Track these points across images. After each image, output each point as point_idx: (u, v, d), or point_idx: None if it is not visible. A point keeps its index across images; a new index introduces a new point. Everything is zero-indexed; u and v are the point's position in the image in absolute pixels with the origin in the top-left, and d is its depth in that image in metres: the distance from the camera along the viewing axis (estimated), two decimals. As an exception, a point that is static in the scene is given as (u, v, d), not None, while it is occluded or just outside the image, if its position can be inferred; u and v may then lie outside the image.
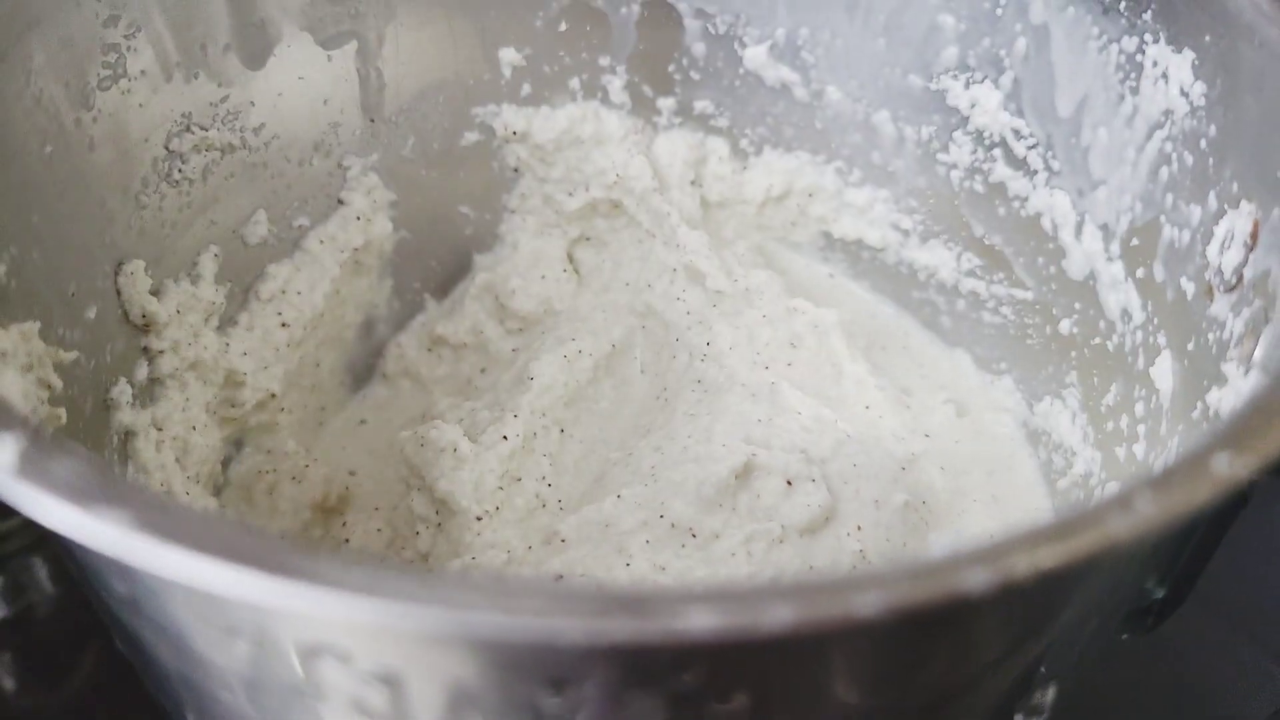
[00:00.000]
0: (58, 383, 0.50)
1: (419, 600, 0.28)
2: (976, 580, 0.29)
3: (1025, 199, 0.65)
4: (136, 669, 0.48)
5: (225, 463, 0.67)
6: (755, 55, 0.71)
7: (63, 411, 0.50)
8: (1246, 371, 0.46)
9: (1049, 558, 0.29)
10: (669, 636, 0.28)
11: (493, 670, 0.32)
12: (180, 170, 0.61)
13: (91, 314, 0.55)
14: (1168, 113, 0.55)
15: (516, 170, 0.75)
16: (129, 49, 0.57)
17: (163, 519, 0.29)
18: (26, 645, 0.72)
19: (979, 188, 0.68)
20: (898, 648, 0.35)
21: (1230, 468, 0.32)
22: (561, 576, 0.59)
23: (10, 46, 0.50)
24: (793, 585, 0.28)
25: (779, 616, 0.28)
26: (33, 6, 0.51)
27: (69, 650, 0.73)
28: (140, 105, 0.58)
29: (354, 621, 0.30)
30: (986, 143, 0.66)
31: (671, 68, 0.72)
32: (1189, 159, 0.54)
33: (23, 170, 0.51)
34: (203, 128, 0.62)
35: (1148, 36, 0.56)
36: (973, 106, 0.66)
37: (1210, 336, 0.51)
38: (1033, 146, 0.64)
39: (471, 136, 0.74)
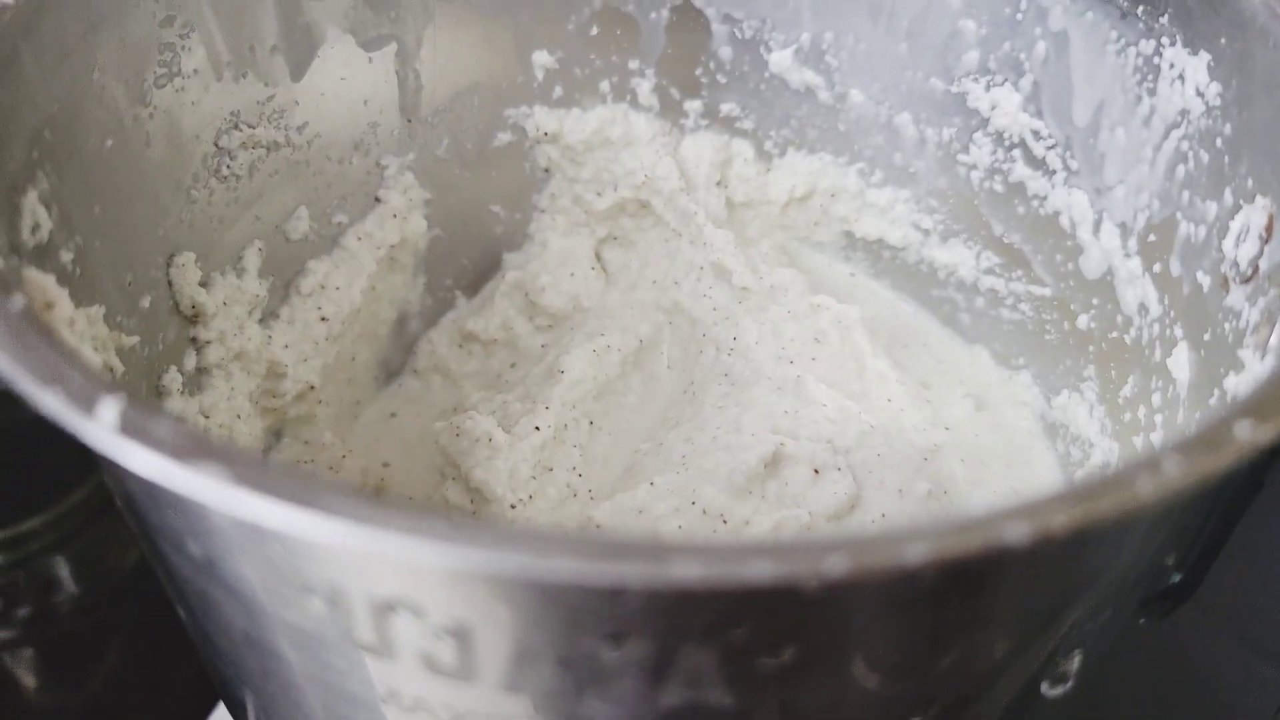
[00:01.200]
0: (119, 366, 0.52)
1: (496, 546, 0.30)
2: (1017, 532, 0.31)
3: (1044, 198, 0.67)
4: (196, 639, 0.50)
5: (265, 452, 0.69)
6: (780, 59, 0.73)
7: (123, 395, 0.52)
8: (1263, 356, 0.48)
9: (1083, 513, 0.31)
10: (734, 582, 0.30)
11: (557, 620, 0.34)
12: (228, 166, 0.63)
13: (146, 303, 0.58)
14: (1184, 113, 0.57)
15: (547, 170, 0.77)
16: (183, 48, 0.59)
17: (257, 473, 0.31)
18: (48, 644, 0.73)
19: (998, 187, 0.70)
20: (940, 608, 0.37)
21: (1253, 433, 0.34)
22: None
23: (76, 43, 0.52)
24: (846, 538, 0.30)
25: (836, 564, 0.30)
26: (96, 6, 0.53)
27: (91, 649, 0.75)
28: (193, 103, 0.60)
29: (430, 569, 0.32)
30: (1006, 144, 0.68)
31: (699, 71, 0.75)
32: (1205, 157, 0.56)
33: (87, 163, 0.53)
34: (250, 125, 0.64)
35: (1164, 39, 0.58)
36: (993, 108, 0.68)
37: (1226, 326, 0.53)
38: (1051, 147, 0.66)
39: (504, 137, 0.76)
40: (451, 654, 0.36)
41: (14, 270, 0.42)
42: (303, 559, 0.35)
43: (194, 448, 0.31)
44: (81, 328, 0.47)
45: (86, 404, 0.33)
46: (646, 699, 0.37)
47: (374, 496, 0.30)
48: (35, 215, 0.48)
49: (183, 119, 0.60)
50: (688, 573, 0.29)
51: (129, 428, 0.32)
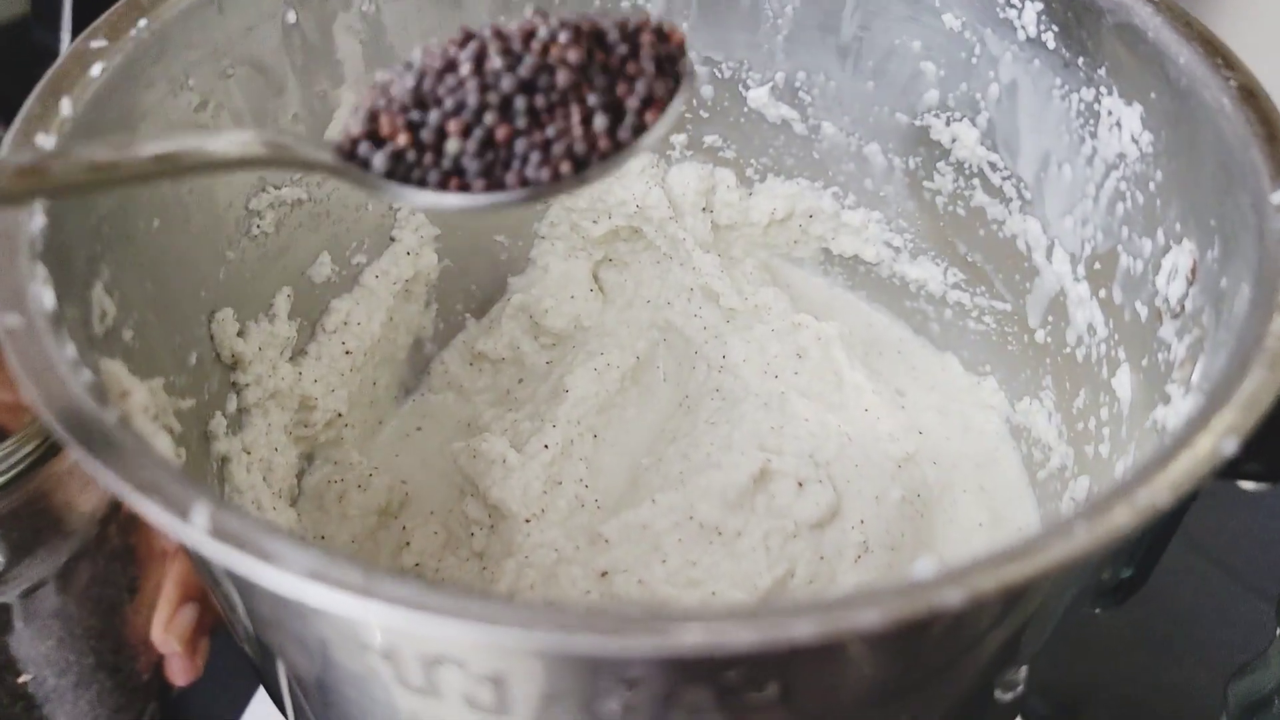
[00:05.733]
0: (178, 427, 0.59)
1: (528, 626, 0.36)
2: (952, 596, 0.37)
3: (1002, 223, 0.74)
4: (256, 666, 0.57)
5: (299, 475, 0.76)
6: (758, 96, 0.79)
7: (183, 451, 0.58)
8: (1186, 393, 0.54)
9: (1007, 576, 0.38)
10: (719, 649, 0.36)
11: (580, 674, 0.41)
12: (258, 226, 0.69)
13: (193, 360, 0.64)
14: (1121, 156, 0.63)
15: (546, 202, 0.84)
16: (215, 127, 0.65)
17: (329, 568, 0.37)
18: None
19: (961, 212, 0.76)
20: (894, 648, 0.44)
21: (1151, 498, 0.41)
22: (607, 573, 0.68)
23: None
24: (812, 604, 0.37)
25: (804, 630, 0.36)
26: (140, 103, 0.59)
27: None
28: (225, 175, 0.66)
29: (476, 643, 0.39)
30: (966, 173, 0.74)
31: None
32: (1140, 198, 0.62)
33: (138, 247, 0.59)
34: (276, 187, 0.70)
35: (1102, 89, 0.64)
36: (953, 141, 0.74)
37: (1160, 356, 0.59)
38: (1007, 178, 0.72)
39: (506, 175, 0.82)
40: (490, 695, 0.43)
41: (94, 366, 0.49)
42: (361, 629, 0.42)
43: (274, 545, 0.38)
44: (151, 408, 0.53)
45: (181, 510, 0.39)
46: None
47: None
48: (102, 304, 0.54)
49: (217, 191, 0.66)
50: (685, 640, 0.36)
51: (219, 531, 0.39)
